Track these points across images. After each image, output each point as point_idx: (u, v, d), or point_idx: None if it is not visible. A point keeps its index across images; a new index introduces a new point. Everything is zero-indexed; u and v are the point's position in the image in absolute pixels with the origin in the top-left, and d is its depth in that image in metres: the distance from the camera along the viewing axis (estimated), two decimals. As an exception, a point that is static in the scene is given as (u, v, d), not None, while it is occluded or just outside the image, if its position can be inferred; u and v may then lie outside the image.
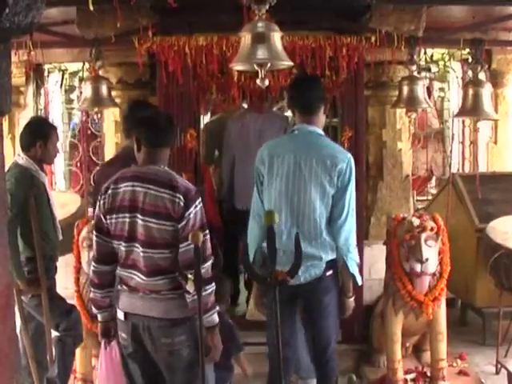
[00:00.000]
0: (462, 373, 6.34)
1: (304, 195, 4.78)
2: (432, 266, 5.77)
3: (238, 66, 5.05)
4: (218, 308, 4.26)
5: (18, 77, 8.17)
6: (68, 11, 6.58)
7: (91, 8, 4.67)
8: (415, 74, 6.82)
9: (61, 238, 5.78)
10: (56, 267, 5.86)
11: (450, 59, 9.16)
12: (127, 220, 4.14)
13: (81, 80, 8.28)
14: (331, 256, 4.84)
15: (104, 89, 6.71)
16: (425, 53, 7.33)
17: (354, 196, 4.86)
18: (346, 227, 4.81)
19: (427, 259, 5.69)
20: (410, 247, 5.76)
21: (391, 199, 7.63)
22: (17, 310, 5.33)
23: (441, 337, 6.00)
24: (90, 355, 6.07)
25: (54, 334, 5.66)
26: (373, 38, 6.46)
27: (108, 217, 4.20)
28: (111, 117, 7.97)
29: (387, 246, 6.08)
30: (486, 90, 6.64)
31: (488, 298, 7.05)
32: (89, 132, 9.39)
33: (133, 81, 7.61)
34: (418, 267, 5.71)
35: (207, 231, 4.15)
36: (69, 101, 10.33)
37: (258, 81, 4.72)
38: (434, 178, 10.21)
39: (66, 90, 10.03)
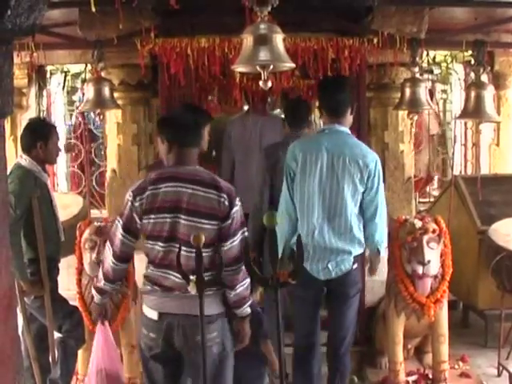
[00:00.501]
0: (463, 375, 6.33)
1: (336, 192, 4.96)
2: (434, 268, 5.77)
3: (240, 68, 5.05)
4: (251, 300, 4.40)
5: (20, 78, 8.17)
6: (70, 13, 6.58)
7: (93, 10, 4.67)
8: (417, 75, 6.82)
9: (63, 239, 5.77)
10: (58, 269, 5.85)
11: (452, 61, 9.17)
12: (168, 220, 4.18)
13: (83, 81, 8.30)
14: (359, 251, 5.11)
15: (106, 90, 6.71)
16: (427, 55, 7.34)
17: (383, 194, 5.11)
18: (381, 223, 5.09)
19: (429, 261, 5.69)
20: (411, 249, 5.76)
21: (393, 201, 7.64)
22: (19, 311, 5.33)
23: (443, 339, 6.00)
24: (91, 356, 6.08)
25: (57, 335, 5.66)
26: (375, 40, 6.46)
27: (145, 217, 4.24)
28: (113, 118, 7.98)
29: (389, 248, 6.07)
30: (489, 92, 6.64)
31: (490, 300, 7.04)
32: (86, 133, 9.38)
33: (135, 82, 7.63)
34: (419, 269, 5.71)
35: (245, 229, 4.28)
36: (71, 102, 10.37)
37: (260, 83, 4.72)
38: (435, 180, 10.22)
39: (68, 92, 10.08)
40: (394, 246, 5.96)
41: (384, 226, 5.14)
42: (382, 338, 6.30)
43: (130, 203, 4.27)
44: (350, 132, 5.17)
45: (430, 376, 6.17)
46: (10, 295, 2.56)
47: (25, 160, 5.50)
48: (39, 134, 5.58)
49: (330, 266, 5.00)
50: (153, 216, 4.21)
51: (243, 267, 4.14)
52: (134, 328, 6.04)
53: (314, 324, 5.28)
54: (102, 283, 4.45)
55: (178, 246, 4.12)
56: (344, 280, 5.07)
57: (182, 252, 4.09)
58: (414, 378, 6.19)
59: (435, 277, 5.85)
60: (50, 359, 5.62)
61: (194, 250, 3.96)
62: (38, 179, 5.49)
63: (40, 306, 5.53)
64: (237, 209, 4.19)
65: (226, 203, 4.15)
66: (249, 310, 4.35)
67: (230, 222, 4.16)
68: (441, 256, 5.86)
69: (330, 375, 5.34)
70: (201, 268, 3.89)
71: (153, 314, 4.27)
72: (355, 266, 5.11)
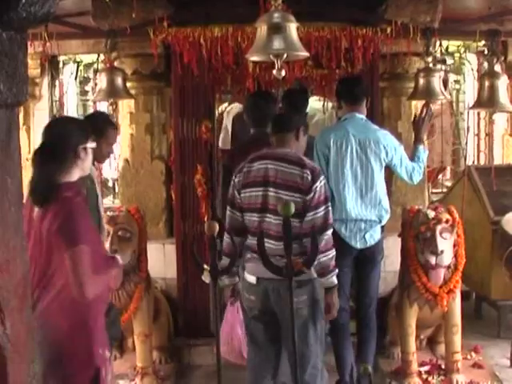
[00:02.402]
0: (476, 365, 6.33)
1: (366, 171, 5.67)
2: (447, 258, 5.76)
3: (253, 57, 5.07)
4: (337, 270, 4.78)
5: (33, 68, 8.17)
6: (83, 2, 6.58)
7: (107, -1, 4.68)
8: (431, 65, 6.80)
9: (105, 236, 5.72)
10: None
11: (465, 51, 9.10)
12: (260, 193, 4.79)
13: (96, 71, 8.29)
14: (386, 219, 5.83)
15: (119, 80, 6.70)
16: (440, 45, 7.29)
17: (404, 154, 5.87)
18: (413, 170, 5.90)
19: (442, 251, 5.68)
20: (425, 239, 5.76)
21: (406, 191, 7.61)
22: None
23: (455, 329, 5.99)
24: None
25: None
26: (388, 30, 6.45)
27: (242, 191, 4.88)
28: (126, 108, 7.97)
29: (402, 238, 6.08)
30: (502, 82, 6.61)
31: (503, 290, 7.04)
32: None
33: (148, 72, 7.61)
34: (433, 259, 5.71)
35: (329, 203, 4.79)
36: (83, 92, 10.36)
37: (274, 71, 4.74)
38: (448, 171, 10.19)
39: (80, 82, 10.06)
40: (407, 237, 5.97)
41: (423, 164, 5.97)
42: (395, 329, 6.31)
43: (232, 181, 4.96)
44: (366, 119, 5.90)
45: (443, 366, 6.17)
46: (25, 284, 2.56)
47: None
48: (93, 128, 5.59)
49: (366, 236, 5.70)
50: (248, 190, 4.84)
51: (326, 237, 4.68)
52: (146, 317, 6.06)
53: (349, 288, 5.82)
54: (222, 260, 4.83)
55: (270, 215, 4.71)
56: (375, 247, 5.76)
57: (274, 221, 4.68)
58: (426, 368, 6.20)
59: (448, 267, 5.85)
60: None
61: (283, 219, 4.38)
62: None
63: None
64: (320, 184, 4.71)
65: (309, 178, 4.68)
66: (335, 281, 4.78)
67: (312, 195, 4.67)
68: (454, 246, 5.85)
69: (361, 331, 5.89)
70: (215, 255, 3.89)
71: (252, 279, 4.83)
72: (382, 235, 5.86)
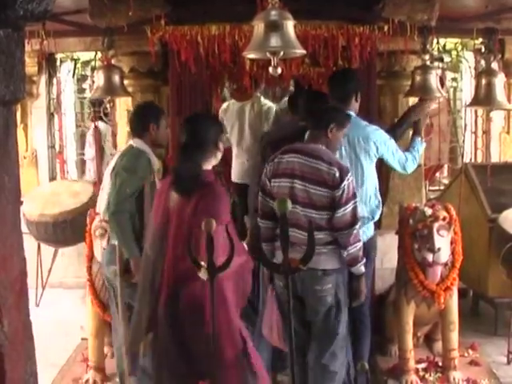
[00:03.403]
0: (473, 363, 6.34)
1: (356, 167, 5.55)
2: (444, 255, 5.76)
3: (250, 54, 5.08)
4: (364, 260, 5.05)
5: (30, 66, 8.19)
6: (81, 0, 6.59)
7: (104, -3, 4.69)
8: (428, 63, 6.80)
9: None
10: None
11: (462, 49, 9.12)
12: (288, 184, 5.01)
13: (93, 69, 8.29)
14: (377, 217, 5.77)
15: (116, 78, 6.71)
16: (437, 42, 7.30)
17: (395, 146, 5.79)
18: (406, 161, 5.87)
19: (439, 249, 5.68)
20: (422, 237, 5.76)
21: (403, 189, 7.64)
22: (119, 298, 5.41)
23: (452, 327, 5.99)
24: (102, 343, 6.11)
25: None
26: (385, 28, 6.45)
27: (272, 180, 5.11)
28: (123, 106, 7.98)
29: (399, 236, 6.07)
30: (499, 80, 6.61)
31: (500, 288, 7.04)
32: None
33: (145, 70, 7.61)
34: (430, 257, 5.71)
35: (356, 199, 4.98)
36: (81, 90, 10.37)
37: (270, 69, 4.74)
38: (445, 168, 10.20)
39: (78, 80, 10.07)
40: (404, 234, 5.96)
41: (403, 158, 5.83)
42: (392, 326, 6.30)
43: (265, 169, 5.19)
44: (355, 115, 5.73)
45: (440, 364, 6.17)
46: (22, 280, 2.57)
47: (137, 143, 5.51)
48: (151, 117, 5.62)
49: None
50: (277, 180, 5.07)
51: (354, 231, 4.92)
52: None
53: None
54: (263, 246, 5.06)
55: (298, 206, 4.88)
56: (368, 244, 5.57)
57: (301, 212, 4.93)
58: (423, 365, 6.20)
59: (445, 264, 5.84)
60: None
61: (312, 211, 4.88)
62: (150, 161, 5.50)
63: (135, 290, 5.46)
64: (348, 182, 4.90)
65: (337, 175, 4.87)
66: (362, 270, 5.06)
67: (341, 192, 4.87)
68: (451, 244, 5.85)
69: (356, 328, 5.82)
70: (211, 252, 3.90)
71: None
72: (375, 231, 5.79)
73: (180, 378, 4.57)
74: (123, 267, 5.36)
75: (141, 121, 5.63)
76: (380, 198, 5.78)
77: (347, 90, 5.75)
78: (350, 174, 4.95)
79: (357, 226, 4.97)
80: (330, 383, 5.18)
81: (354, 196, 4.97)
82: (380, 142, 5.66)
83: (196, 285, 4.22)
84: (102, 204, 5.65)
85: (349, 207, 4.92)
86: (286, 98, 8.24)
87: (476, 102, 6.80)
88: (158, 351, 4.60)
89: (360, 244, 5.02)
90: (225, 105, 8.01)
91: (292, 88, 8.67)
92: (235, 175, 7.84)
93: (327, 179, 4.89)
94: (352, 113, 5.68)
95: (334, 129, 5.10)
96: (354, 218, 4.95)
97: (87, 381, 5.96)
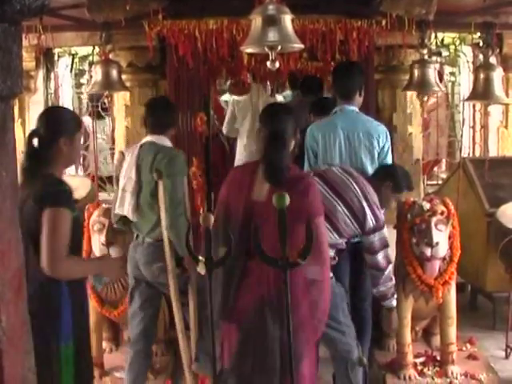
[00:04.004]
0: (471, 357, 6.34)
1: (355, 164, 5.55)
2: (442, 250, 5.76)
3: (248, 49, 5.07)
4: (395, 296, 5.28)
5: (28, 61, 8.16)
6: (78, -5, 6.58)
7: (101, -9, 4.68)
8: (426, 57, 6.80)
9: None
10: None
11: (460, 43, 9.12)
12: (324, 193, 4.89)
13: (91, 64, 8.29)
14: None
15: (114, 72, 6.72)
16: (435, 37, 7.30)
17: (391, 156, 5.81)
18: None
19: (437, 243, 5.68)
20: (420, 231, 5.76)
21: (401, 183, 7.62)
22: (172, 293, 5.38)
23: (450, 321, 5.99)
24: (101, 338, 6.11)
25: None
26: (383, 22, 6.46)
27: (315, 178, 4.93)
28: (121, 101, 7.97)
29: (398, 230, 6.07)
30: (497, 74, 6.62)
31: (498, 282, 7.04)
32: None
33: (143, 64, 7.61)
34: (428, 251, 5.71)
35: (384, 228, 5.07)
36: (79, 85, 10.37)
37: (268, 63, 4.74)
38: (443, 163, 10.21)
39: (75, 74, 10.07)
40: (402, 228, 5.96)
41: None
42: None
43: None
44: (358, 111, 5.76)
45: (438, 358, 6.17)
46: (20, 277, 2.57)
47: (165, 141, 5.46)
48: (175, 114, 5.61)
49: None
50: (317, 180, 4.88)
51: (386, 272, 5.07)
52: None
53: (347, 281, 5.78)
54: None
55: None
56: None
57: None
58: (421, 359, 6.20)
59: (443, 259, 5.85)
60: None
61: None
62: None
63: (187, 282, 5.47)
64: (377, 238, 4.99)
65: (367, 211, 4.90)
66: (393, 304, 5.33)
67: (370, 241, 5.00)
68: (449, 238, 5.85)
69: (357, 324, 5.64)
70: (210, 247, 3.89)
71: None
72: None
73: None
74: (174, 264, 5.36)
75: (168, 117, 5.55)
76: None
77: (352, 85, 5.70)
78: (383, 231, 5.04)
79: (389, 268, 5.11)
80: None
81: (382, 226, 5.04)
82: (382, 138, 5.67)
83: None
84: (125, 204, 5.46)
85: (376, 236, 5.01)
86: (288, 91, 8.35)
87: (474, 96, 6.81)
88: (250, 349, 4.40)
89: (392, 283, 5.18)
90: (235, 97, 8.09)
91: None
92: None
93: (360, 217, 4.91)
94: (355, 108, 5.72)
95: (388, 188, 5.26)
96: (386, 263, 5.07)
97: (85, 376, 5.97)
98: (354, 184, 4.99)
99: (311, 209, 4.20)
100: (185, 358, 5.48)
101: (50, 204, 3.69)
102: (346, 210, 4.90)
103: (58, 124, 4.00)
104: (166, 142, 5.45)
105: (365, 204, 4.91)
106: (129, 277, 5.56)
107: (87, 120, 10.30)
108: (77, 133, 4.06)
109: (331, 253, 4.79)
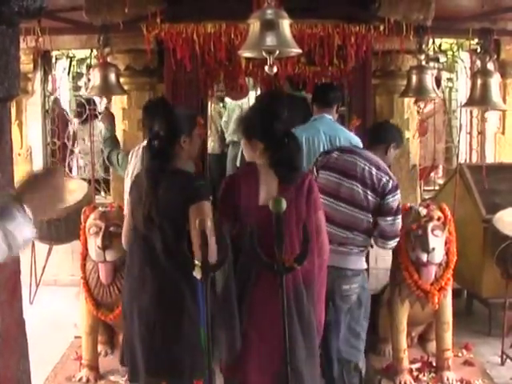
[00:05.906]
0: (467, 363, 6.33)
1: None
2: (438, 255, 5.76)
3: (246, 53, 5.07)
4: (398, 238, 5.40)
5: (25, 63, 8.16)
6: (76, -2, 6.58)
7: (99, -6, 4.68)
8: (423, 63, 6.81)
9: None
10: None
11: (458, 49, 9.12)
12: (335, 180, 5.14)
13: (88, 67, 8.28)
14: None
15: (112, 76, 6.71)
16: (433, 43, 7.30)
17: None
18: None
19: (434, 249, 5.68)
20: (416, 237, 5.75)
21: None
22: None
23: (446, 327, 5.99)
24: (96, 341, 6.09)
25: None
26: (381, 27, 6.46)
27: (321, 172, 5.21)
28: (119, 104, 7.97)
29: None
30: (495, 80, 6.63)
31: (494, 288, 7.04)
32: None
33: (141, 68, 7.62)
34: (424, 257, 5.70)
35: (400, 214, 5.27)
36: (76, 88, 10.34)
37: (266, 68, 4.74)
38: (440, 169, 10.20)
39: (73, 77, 10.04)
40: (398, 234, 5.96)
41: None
42: (386, 326, 6.30)
43: (316, 159, 5.41)
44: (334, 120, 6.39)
45: (434, 364, 6.17)
46: (15, 279, 2.57)
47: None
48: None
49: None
50: (327, 172, 5.18)
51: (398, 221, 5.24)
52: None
53: None
54: None
55: (342, 204, 5.13)
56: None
57: (344, 210, 5.11)
58: (417, 365, 6.19)
59: (440, 264, 5.84)
60: None
61: (354, 209, 5.11)
62: None
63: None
64: (394, 198, 5.14)
65: (384, 181, 5.10)
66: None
67: (387, 201, 5.12)
68: (445, 244, 5.85)
69: None
70: (206, 251, 3.88)
71: None
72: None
73: None
74: None
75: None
76: None
77: (333, 96, 6.34)
78: (398, 190, 5.19)
79: (400, 216, 5.26)
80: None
81: (397, 187, 5.19)
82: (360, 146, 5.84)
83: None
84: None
85: (389, 219, 5.19)
86: None
87: (471, 102, 6.82)
88: None
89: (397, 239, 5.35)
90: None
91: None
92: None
93: (376, 183, 5.09)
94: (331, 117, 6.35)
95: (392, 148, 5.37)
96: (394, 210, 5.19)
97: (80, 379, 5.95)
98: (359, 158, 5.17)
99: (316, 204, 4.42)
100: None
101: (198, 199, 4.12)
102: (361, 187, 5.09)
103: (176, 124, 4.33)
104: None
105: (374, 171, 5.11)
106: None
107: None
108: (194, 129, 4.44)
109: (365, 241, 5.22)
